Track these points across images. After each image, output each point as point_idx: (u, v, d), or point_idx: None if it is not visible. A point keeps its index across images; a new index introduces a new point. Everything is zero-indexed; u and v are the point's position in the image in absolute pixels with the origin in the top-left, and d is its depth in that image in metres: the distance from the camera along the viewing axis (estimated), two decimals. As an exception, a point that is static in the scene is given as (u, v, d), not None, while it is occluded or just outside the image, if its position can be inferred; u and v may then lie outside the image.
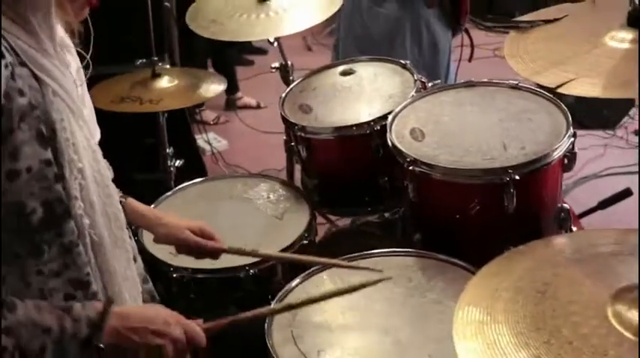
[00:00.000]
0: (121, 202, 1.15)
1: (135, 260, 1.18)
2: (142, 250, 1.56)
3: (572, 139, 1.52)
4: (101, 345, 0.97)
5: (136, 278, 1.16)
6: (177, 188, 1.96)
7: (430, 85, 1.90)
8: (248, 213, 1.82)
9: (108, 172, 1.10)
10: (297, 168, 2.33)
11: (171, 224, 1.39)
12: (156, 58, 2.14)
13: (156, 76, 2.14)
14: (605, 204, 2.07)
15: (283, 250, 1.66)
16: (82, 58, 1.16)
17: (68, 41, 1.08)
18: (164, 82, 2.15)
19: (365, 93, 1.92)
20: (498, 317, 1.09)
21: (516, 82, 1.72)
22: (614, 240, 1.26)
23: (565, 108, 1.59)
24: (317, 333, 1.33)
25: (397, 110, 1.71)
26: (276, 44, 2.17)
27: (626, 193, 2.04)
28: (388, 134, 1.63)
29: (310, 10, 2.03)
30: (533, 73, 1.27)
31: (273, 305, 1.38)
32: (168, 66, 2.23)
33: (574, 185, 3.04)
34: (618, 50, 1.25)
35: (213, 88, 2.18)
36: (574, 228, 1.67)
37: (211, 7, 2.10)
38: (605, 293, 1.08)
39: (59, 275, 0.99)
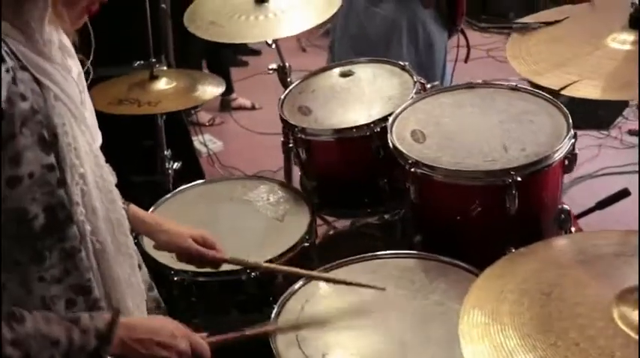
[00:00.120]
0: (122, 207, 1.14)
1: (140, 267, 1.17)
2: (143, 253, 1.55)
3: (573, 140, 1.53)
4: None
5: (141, 286, 1.15)
6: (176, 190, 1.95)
7: (429, 86, 1.90)
8: (248, 216, 1.82)
9: (111, 177, 1.09)
10: (295, 169, 2.34)
11: (173, 231, 1.38)
12: (154, 60, 2.13)
13: (154, 77, 2.13)
14: (602, 204, 2.07)
15: (285, 253, 1.65)
16: (82, 62, 1.16)
17: (69, 45, 1.08)
18: (162, 84, 2.14)
19: (364, 95, 1.92)
20: (504, 320, 1.09)
21: (515, 84, 1.73)
22: (617, 241, 1.26)
23: (565, 109, 1.59)
24: (321, 336, 1.32)
25: (397, 112, 1.71)
26: (274, 46, 2.16)
27: (623, 193, 2.04)
28: (389, 136, 1.63)
29: (308, 11, 2.02)
30: (536, 74, 1.27)
31: (278, 322, 1.38)
32: (165, 67, 2.22)
33: (569, 185, 3.06)
34: (620, 52, 1.26)
35: (212, 89, 2.18)
36: (572, 229, 1.67)
37: (209, 8, 2.09)
38: (610, 295, 1.08)
39: (61, 282, 0.98)
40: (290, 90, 2.02)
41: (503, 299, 1.14)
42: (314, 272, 1.48)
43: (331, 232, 2.29)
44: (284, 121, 1.90)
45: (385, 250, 1.55)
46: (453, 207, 1.56)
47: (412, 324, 1.32)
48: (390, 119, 1.69)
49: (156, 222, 1.38)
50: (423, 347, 1.27)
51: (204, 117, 3.94)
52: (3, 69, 0.86)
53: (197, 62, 3.74)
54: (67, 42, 1.05)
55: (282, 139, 2.28)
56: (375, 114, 1.80)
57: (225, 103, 4.12)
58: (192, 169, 2.70)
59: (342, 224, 2.35)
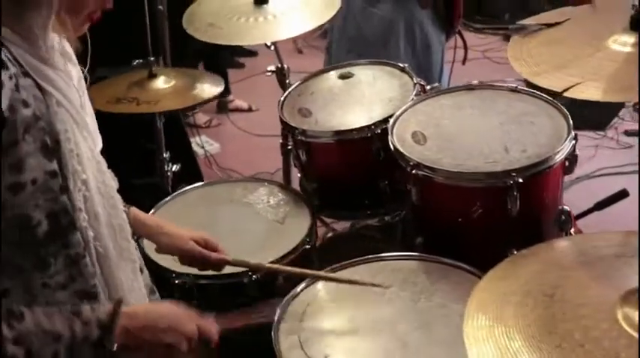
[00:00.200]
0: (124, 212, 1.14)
1: (141, 271, 1.17)
2: (144, 256, 1.55)
3: (574, 142, 1.53)
4: (114, 349, 0.96)
5: (143, 290, 1.15)
6: (176, 193, 1.95)
7: (429, 88, 1.90)
8: (249, 218, 1.82)
9: (113, 183, 1.09)
10: (293, 171, 2.34)
11: (175, 234, 1.38)
12: (152, 59, 2.12)
13: (152, 76, 2.12)
14: (601, 205, 2.08)
15: (286, 255, 1.65)
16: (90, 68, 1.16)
17: (70, 51, 1.07)
18: (161, 83, 2.13)
19: (364, 97, 1.92)
20: (508, 321, 1.09)
21: (515, 86, 1.73)
22: (617, 242, 1.27)
23: (565, 111, 1.60)
24: (324, 338, 1.32)
25: (398, 113, 1.72)
26: (272, 48, 2.16)
27: (622, 194, 2.05)
28: (390, 138, 1.63)
29: (308, 13, 2.02)
30: (538, 76, 1.27)
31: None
32: (161, 65, 2.21)
33: (567, 186, 3.05)
34: (622, 54, 1.26)
35: (212, 88, 2.17)
36: (572, 230, 1.68)
37: (208, 10, 2.08)
38: (613, 296, 1.08)
39: (66, 288, 0.98)
40: (289, 93, 2.02)
41: (507, 301, 1.14)
42: (317, 272, 1.48)
43: (330, 234, 2.29)
44: (284, 123, 1.90)
45: (385, 252, 1.55)
46: (454, 209, 1.56)
47: (415, 326, 1.32)
48: (391, 121, 1.69)
49: (157, 225, 1.38)
50: (426, 349, 1.27)
51: (201, 118, 3.94)
52: (5, 75, 0.85)
53: (194, 64, 3.73)
54: (69, 48, 1.05)
55: (280, 141, 2.29)
56: (376, 116, 1.80)
57: (222, 105, 4.11)
58: (190, 171, 2.70)
59: (340, 226, 2.35)
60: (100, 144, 1.17)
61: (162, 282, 1.60)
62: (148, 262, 1.60)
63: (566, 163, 1.56)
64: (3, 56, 0.86)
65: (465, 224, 1.56)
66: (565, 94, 1.19)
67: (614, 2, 1.44)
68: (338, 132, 1.80)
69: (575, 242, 1.39)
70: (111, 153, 1.15)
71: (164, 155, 2.27)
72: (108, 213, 1.04)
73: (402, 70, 1.97)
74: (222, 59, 4.08)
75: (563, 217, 1.64)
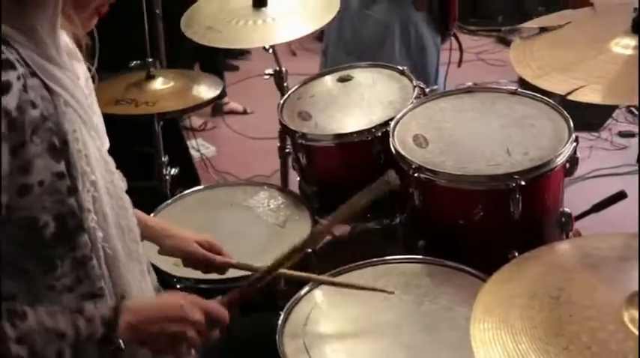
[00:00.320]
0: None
1: (149, 273, 1.16)
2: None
3: (575, 144, 1.54)
4: (121, 346, 0.95)
5: (151, 291, 1.15)
6: (176, 196, 1.94)
7: (428, 90, 1.91)
8: (249, 222, 1.81)
9: (121, 184, 1.09)
10: (291, 174, 2.33)
11: (179, 236, 1.37)
12: (150, 60, 2.11)
13: (150, 77, 2.11)
14: (599, 206, 2.09)
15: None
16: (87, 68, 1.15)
17: (76, 51, 1.07)
18: (159, 84, 2.13)
19: (363, 100, 1.92)
20: (515, 324, 1.09)
21: (515, 88, 1.74)
22: (620, 244, 1.27)
23: (566, 113, 1.60)
24: (329, 342, 1.32)
25: (399, 116, 1.72)
26: (270, 51, 2.16)
27: (620, 196, 2.06)
28: (391, 141, 1.64)
29: (306, 16, 2.02)
30: (540, 79, 1.28)
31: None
32: (158, 67, 2.21)
33: (562, 187, 3.08)
34: (624, 56, 1.27)
35: (211, 90, 2.16)
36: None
37: (206, 13, 2.08)
38: (619, 298, 1.09)
39: (72, 290, 0.97)
40: (288, 96, 2.02)
41: (513, 303, 1.14)
42: (321, 277, 1.47)
43: (329, 238, 2.29)
44: (284, 126, 1.89)
45: (385, 255, 1.55)
46: (456, 212, 1.57)
47: (421, 329, 1.32)
48: (392, 124, 1.69)
49: (161, 227, 1.37)
50: (432, 352, 1.27)
51: (195, 121, 3.93)
52: (14, 76, 0.85)
53: (189, 65, 3.72)
54: (74, 46, 1.04)
55: (278, 144, 2.29)
56: (376, 119, 1.80)
57: (217, 107, 4.10)
58: (188, 175, 2.69)
59: (338, 228, 2.35)
60: (106, 144, 1.16)
61: (164, 286, 1.59)
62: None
63: (567, 165, 1.56)
64: (11, 56, 0.85)
65: (466, 227, 1.56)
66: (569, 97, 1.19)
67: (614, 5, 1.45)
68: (338, 136, 1.80)
69: (578, 244, 1.39)
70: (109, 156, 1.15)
71: (162, 159, 2.26)
72: (116, 214, 1.04)
73: (402, 72, 1.97)
74: (218, 62, 4.08)
75: (564, 219, 1.64)
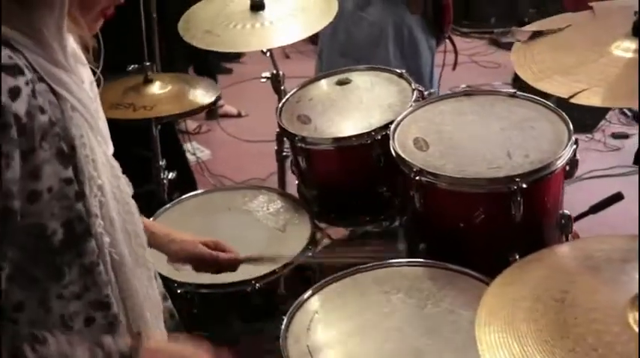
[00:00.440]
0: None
1: (155, 278, 1.16)
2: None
3: (575, 146, 1.55)
4: None
5: (158, 297, 1.14)
6: (174, 201, 1.94)
7: (427, 93, 1.91)
8: (249, 226, 1.81)
9: (128, 188, 1.08)
10: (288, 177, 2.33)
11: (183, 239, 1.37)
12: (148, 64, 2.10)
13: (148, 81, 2.10)
14: (596, 208, 2.10)
15: (288, 263, 1.64)
16: (92, 70, 1.14)
17: (81, 55, 1.06)
18: (156, 88, 2.12)
19: (363, 103, 1.92)
20: (520, 327, 1.10)
21: (514, 91, 1.75)
22: (622, 246, 1.28)
23: (565, 116, 1.61)
24: (332, 346, 1.32)
25: (399, 119, 1.72)
26: (268, 54, 2.16)
27: (617, 197, 2.07)
28: (392, 144, 1.64)
29: (305, 20, 2.02)
30: (543, 82, 1.28)
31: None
32: (155, 71, 2.20)
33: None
34: (625, 59, 1.27)
35: (208, 94, 2.16)
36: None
37: (204, 17, 2.07)
38: (622, 300, 1.09)
39: (80, 298, 0.96)
40: (287, 99, 2.02)
41: (517, 306, 1.14)
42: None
43: (325, 240, 2.29)
44: (283, 130, 1.89)
45: (385, 258, 1.55)
46: (457, 215, 1.57)
47: (424, 332, 1.32)
48: (392, 127, 1.69)
49: (164, 233, 1.37)
50: (437, 355, 1.27)
51: (190, 125, 3.92)
52: (22, 81, 0.84)
53: (183, 69, 3.71)
54: (78, 49, 1.03)
55: (275, 148, 2.29)
56: (375, 122, 1.80)
57: (211, 111, 4.09)
58: (185, 179, 2.68)
59: (335, 231, 2.35)
60: (111, 149, 1.15)
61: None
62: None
63: (567, 167, 1.57)
64: (19, 62, 0.85)
65: (467, 229, 1.57)
66: (573, 100, 1.19)
67: (613, 8, 1.45)
68: (338, 139, 1.80)
69: (580, 246, 1.40)
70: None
71: (160, 162, 2.25)
72: (123, 219, 1.03)
73: (400, 75, 1.97)
74: (211, 65, 4.07)
75: (563, 221, 1.65)
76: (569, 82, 1.26)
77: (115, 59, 2.24)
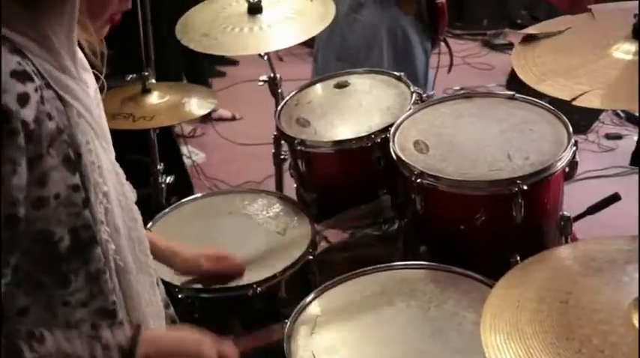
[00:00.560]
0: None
1: (158, 284, 1.15)
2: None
3: (575, 148, 1.56)
4: None
5: (160, 304, 1.14)
6: (173, 205, 1.92)
7: (425, 96, 1.91)
8: (249, 230, 1.80)
9: (132, 195, 1.08)
10: (285, 180, 2.33)
11: (188, 257, 1.40)
12: (146, 73, 2.09)
13: (146, 91, 2.10)
14: (594, 209, 2.11)
15: (289, 267, 1.64)
16: (96, 77, 1.14)
17: (85, 62, 1.06)
18: (155, 98, 2.11)
19: (362, 106, 1.92)
20: (525, 329, 1.10)
21: (513, 93, 1.75)
22: (626, 246, 1.28)
23: (565, 118, 1.62)
24: (337, 350, 1.32)
25: (398, 122, 1.72)
26: (266, 57, 2.16)
27: (614, 198, 2.08)
28: (392, 147, 1.64)
29: (302, 23, 2.03)
30: (544, 85, 1.29)
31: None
32: (154, 80, 2.19)
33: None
34: (625, 62, 1.28)
35: (205, 102, 2.15)
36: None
37: (201, 20, 2.07)
38: (626, 301, 1.10)
39: (86, 306, 0.96)
40: (286, 102, 2.02)
41: (522, 308, 1.15)
42: None
43: (323, 243, 2.29)
44: (282, 133, 1.89)
45: (384, 261, 1.55)
46: (458, 217, 1.58)
47: (429, 335, 1.32)
48: (392, 130, 1.70)
49: (172, 252, 1.39)
50: (441, 357, 1.27)
51: (185, 128, 3.91)
52: (31, 87, 0.84)
53: (178, 73, 3.71)
54: (82, 55, 1.03)
55: (273, 151, 2.28)
56: (374, 125, 1.80)
57: (206, 114, 4.08)
58: (182, 183, 2.67)
59: (332, 233, 2.35)
60: (113, 155, 1.15)
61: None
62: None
63: (567, 169, 1.58)
64: (28, 68, 0.84)
65: (468, 232, 1.57)
66: (575, 103, 1.20)
67: (612, 11, 1.46)
68: (338, 142, 1.80)
69: (581, 247, 1.40)
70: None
71: (158, 167, 2.24)
72: (128, 226, 1.03)
73: (399, 78, 1.98)
74: (202, 68, 4.06)
75: (563, 222, 1.66)
76: (570, 84, 1.27)
77: (112, 65, 2.24)
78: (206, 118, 4.06)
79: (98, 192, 0.95)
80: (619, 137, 3.65)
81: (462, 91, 3.78)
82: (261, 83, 2.26)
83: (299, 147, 1.82)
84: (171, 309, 1.26)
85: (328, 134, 1.84)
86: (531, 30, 1.45)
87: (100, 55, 1.02)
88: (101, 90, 1.09)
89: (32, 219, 0.87)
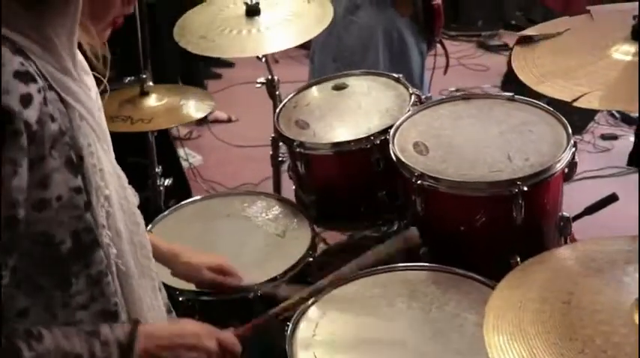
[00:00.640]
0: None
1: (160, 289, 1.15)
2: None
3: (574, 149, 1.56)
4: None
5: (162, 308, 1.14)
6: (172, 208, 1.92)
7: (424, 97, 1.92)
8: (248, 232, 1.80)
9: (134, 199, 1.07)
10: (284, 182, 2.33)
11: (190, 263, 1.39)
12: (144, 76, 2.09)
13: (144, 93, 2.09)
14: (591, 209, 2.12)
15: (289, 269, 1.64)
16: (98, 80, 1.13)
17: (85, 64, 1.05)
18: (152, 101, 2.10)
19: (360, 108, 1.92)
20: (528, 330, 1.10)
21: (512, 94, 1.76)
22: (626, 247, 1.29)
23: (564, 119, 1.63)
24: (339, 352, 1.32)
25: (398, 124, 1.72)
26: (264, 60, 2.16)
27: (611, 198, 2.09)
28: (392, 148, 1.64)
29: (300, 25, 2.02)
30: (544, 86, 1.29)
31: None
32: (151, 83, 2.18)
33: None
34: (624, 63, 1.29)
35: (203, 105, 2.15)
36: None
37: (199, 22, 2.07)
38: (627, 301, 1.10)
39: (87, 308, 0.96)
40: (284, 104, 2.02)
41: (524, 309, 1.15)
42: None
43: (321, 245, 2.28)
44: (281, 135, 1.89)
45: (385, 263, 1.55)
46: (458, 218, 1.58)
47: (431, 336, 1.32)
48: (391, 132, 1.70)
49: (173, 255, 1.38)
50: (443, 358, 1.28)
51: (181, 130, 3.91)
52: (34, 88, 0.84)
53: (174, 75, 3.70)
54: (82, 58, 1.02)
55: (270, 153, 2.28)
56: (373, 127, 1.80)
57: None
58: (180, 185, 2.67)
59: (331, 235, 2.35)
60: (113, 158, 1.15)
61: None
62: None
63: (566, 170, 1.58)
64: (31, 69, 0.84)
65: (469, 233, 1.57)
66: (576, 104, 1.20)
67: (611, 12, 1.47)
68: (337, 144, 1.80)
69: (581, 248, 1.41)
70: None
71: (156, 169, 2.24)
72: (129, 230, 1.03)
73: (397, 80, 1.98)
74: (198, 70, 4.06)
75: (562, 223, 1.66)
76: (570, 85, 1.27)
77: (114, 69, 2.23)
78: (202, 120, 4.05)
79: (100, 196, 0.94)
80: (614, 137, 3.66)
81: (459, 92, 3.79)
82: (258, 85, 2.26)
83: (298, 149, 1.82)
84: (174, 314, 1.26)
85: (327, 136, 1.84)
86: (530, 32, 1.46)
87: (103, 58, 1.01)
88: (103, 93, 1.09)
89: (33, 220, 0.86)
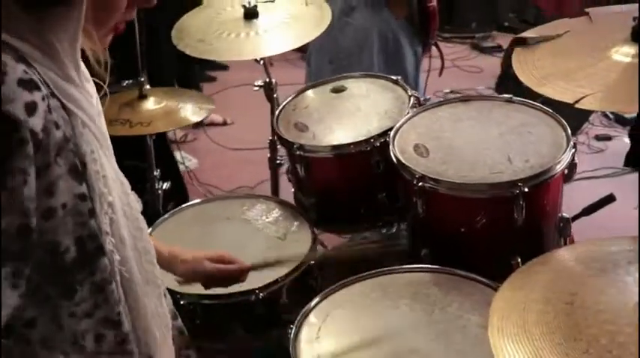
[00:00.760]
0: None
1: (165, 296, 1.14)
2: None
3: (574, 150, 1.57)
4: None
5: (167, 315, 1.12)
6: (171, 211, 1.92)
7: (422, 99, 1.92)
8: (249, 235, 1.80)
9: (137, 205, 1.07)
10: (282, 185, 2.33)
11: (190, 259, 1.37)
12: (142, 79, 2.08)
13: (142, 97, 2.09)
14: (589, 210, 2.13)
15: (291, 272, 1.64)
16: (98, 85, 1.13)
17: (86, 71, 1.05)
18: (151, 104, 2.10)
19: (360, 110, 1.92)
20: (533, 330, 1.11)
21: (510, 96, 1.77)
22: (627, 247, 1.29)
23: (563, 121, 1.63)
24: (343, 354, 1.32)
25: (397, 126, 1.73)
26: (262, 62, 2.16)
27: (609, 199, 2.10)
28: (392, 150, 1.64)
29: (298, 28, 2.02)
30: (545, 88, 1.30)
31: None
32: (148, 86, 2.18)
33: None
34: (624, 64, 1.30)
35: (201, 108, 2.15)
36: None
37: (197, 26, 2.06)
38: (631, 301, 1.11)
39: (91, 316, 0.95)
40: (283, 107, 2.02)
41: (528, 310, 1.15)
42: None
43: (319, 247, 2.28)
44: (280, 138, 1.89)
45: (384, 264, 1.55)
46: (459, 220, 1.58)
47: (434, 337, 1.33)
48: (391, 134, 1.70)
49: (173, 255, 1.36)
50: (447, 360, 1.28)
51: (177, 133, 3.89)
52: (39, 96, 0.83)
53: (171, 78, 3.69)
54: (82, 64, 1.02)
55: (268, 155, 2.28)
56: (373, 129, 1.81)
57: (196, 119, 4.07)
58: (177, 189, 2.66)
59: (331, 238, 2.35)
60: (115, 164, 1.14)
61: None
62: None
63: (565, 171, 1.59)
64: (34, 77, 0.84)
65: (469, 234, 1.58)
66: (578, 106, 1.21)
67: (610, 14, 1.48)
68: (336, 147, 1.80)
69: (582, 249, 1.41)
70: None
71: (155, 173, 2.23)
72: (133, 236, 1.02)
73: (396, 82, 1.98)
74: (194, 73, 4.05)
75: (562, 224, 1.67)
76: (570, 87, 1.28)
77: (114, 74, 2.23)
78: (198, 123, 4.04)
79: (103, 202, 0.94)
80: (608, 138, 3.68)
81: (453, 94, 3.80)
82: (256, 88, 2.25)
83: (298, 152, 1.82)
84: (179, 320, 1.25)
85: (327, 138, 1.84)
86: (530, 34, 1.47)
87: (104, 64, 1.01)
88: (103, 97, 1.08)
89: (42, 229, 0.86)
